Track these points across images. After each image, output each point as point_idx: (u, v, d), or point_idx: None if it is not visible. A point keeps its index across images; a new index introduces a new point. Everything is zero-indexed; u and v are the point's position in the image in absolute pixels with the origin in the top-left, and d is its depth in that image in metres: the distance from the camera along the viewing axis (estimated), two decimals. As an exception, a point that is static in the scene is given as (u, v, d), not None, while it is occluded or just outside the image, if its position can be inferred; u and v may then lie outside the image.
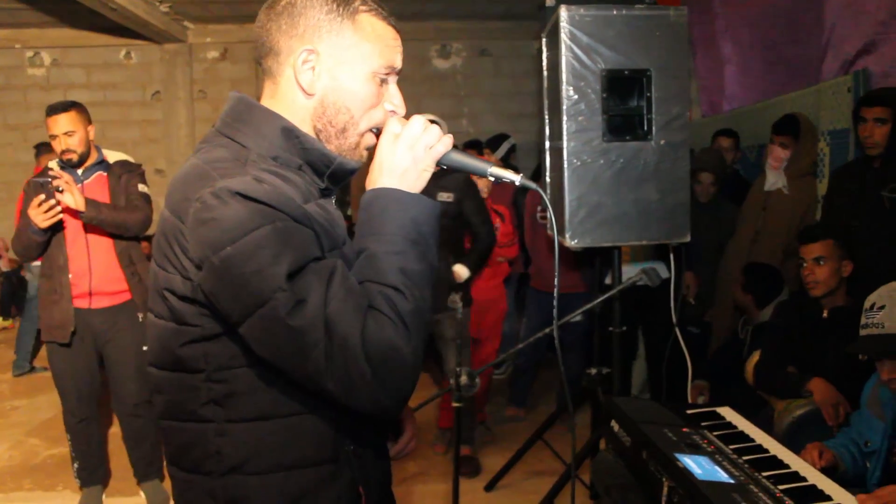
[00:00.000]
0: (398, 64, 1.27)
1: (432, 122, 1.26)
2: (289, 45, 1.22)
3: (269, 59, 1.25)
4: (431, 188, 3.78)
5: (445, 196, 3.81)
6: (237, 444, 1.17)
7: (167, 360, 1.20)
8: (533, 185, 1.28)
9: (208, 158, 1.18)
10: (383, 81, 1.26)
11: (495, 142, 6.21)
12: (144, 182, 3.47)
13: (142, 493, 3.65)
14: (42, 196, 3.13)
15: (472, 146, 6.39)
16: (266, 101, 1.27)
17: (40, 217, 3.13)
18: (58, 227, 3.29)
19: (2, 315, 7.69)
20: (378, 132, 1.27)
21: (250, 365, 1.15)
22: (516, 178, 1.26)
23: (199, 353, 1.17)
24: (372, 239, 1.16)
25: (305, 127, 1.25)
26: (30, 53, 8.28)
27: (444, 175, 3.79)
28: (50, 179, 3.15)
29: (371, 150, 1.29)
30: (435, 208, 1.22)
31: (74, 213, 3.23)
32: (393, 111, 1.28)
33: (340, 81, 1.23)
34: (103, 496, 3.64)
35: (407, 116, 1.28)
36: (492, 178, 1.28)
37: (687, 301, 3.88)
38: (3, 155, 8.25)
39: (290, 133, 1.22)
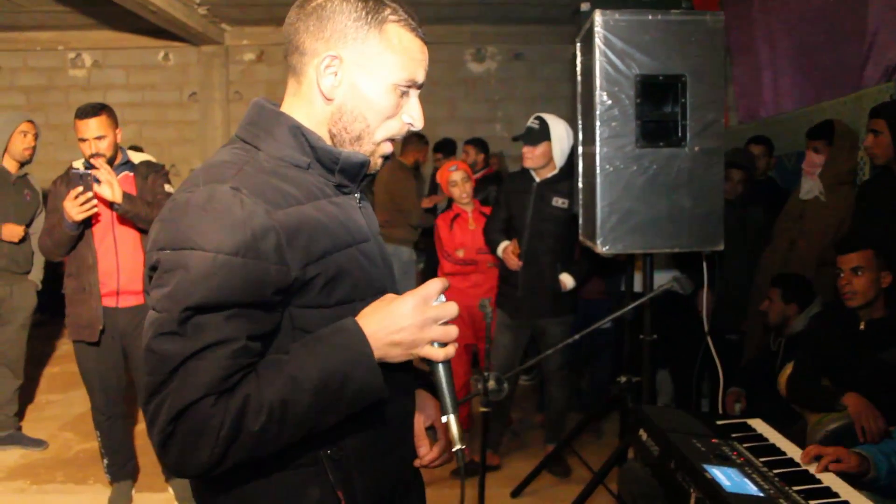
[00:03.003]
0: (420, 78, 1.26)
1: None
2: (314, 47, 1.22)
3: (294, 57, 1.26)
4: (546, 193, 3.85)
5: (560, 202, 3.81)
6: None
7: None
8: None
9: (210, 162, 1.21)
10: (404, 93, 1.26)
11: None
12: (170, 182, 3.50)
13: (170, 490, 3.69)
14: (80, 188, 3.13)
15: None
16: (288, 98, 1.29)
17: (76, 209, 3.12)
18: (87, 224, 3.31)
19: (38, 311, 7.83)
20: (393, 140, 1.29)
21: None
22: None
23: None
24: (302, 353, 1.12)
25: (322, 129, 1.26)
26: (72, 55, 8.47)
27: (560, 181, 3.79)
28: (90, 171, 3.17)
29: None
30: (380, 393, 1.15)
31: (107, 207, 3.26)
32: (410, 123, 1.29)
33: (361, 89, 1.23)
34: (133, 491, 3.69)
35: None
36: (443, 419, 1.25)
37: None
38: (44, 154, 8.34)
39: (296, 132, 1.23)
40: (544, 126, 3.79)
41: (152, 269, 1.12)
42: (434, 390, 1.26)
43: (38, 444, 4.40)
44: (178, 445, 1.06)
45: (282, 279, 1.11)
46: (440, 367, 1.22)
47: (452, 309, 1.18)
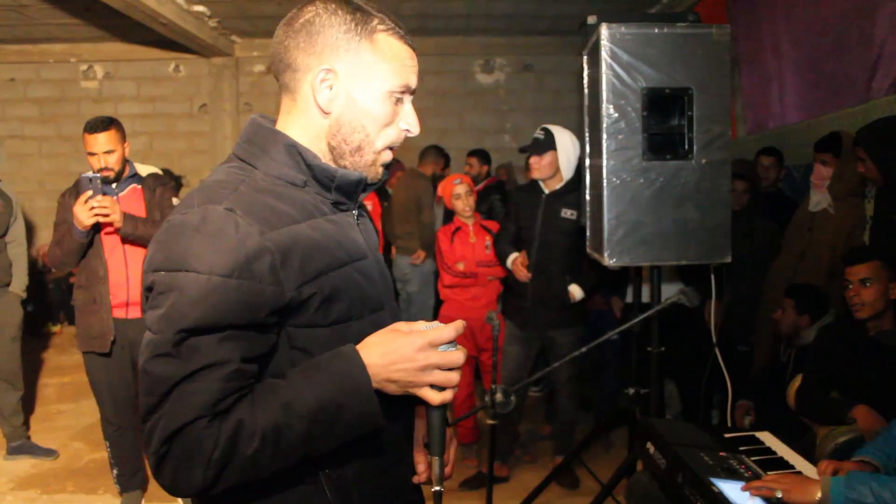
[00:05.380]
0: (413, 83, 1.27)
1: None
2: (307, 62, 1.22)
3: (286, 75, 1.26)
4: (555, 204, 3.86)
5: (569, 213, 3.81)
6: None
7: None
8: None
9: (206, 182, 1.22)
10: (398, 100, 1.26)
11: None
12: (178, 195, 3.52)
13: (180, 500, 3.70)
14: (89, 192, 3.15)
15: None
16: (283, 117, 1.29)
17: (85, 213, 3.13)
18: (96, 230, 3.32)
19: (50, 321, 7.90)
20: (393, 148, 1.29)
21: None
22: None
23: None
24: (299, 379, 1.12)
25: (320, 143, 1.26)
26: (83, 67, 8.55)
27: (568, 192, 3.80)
28: (99, 177, 3.19)
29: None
30: (376, 423, 1.15)
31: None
32: (407, 129, 1.29)
33: (357, 100, 1.23)
34: (143, 501, 3.71)
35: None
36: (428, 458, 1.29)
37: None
38: (56, 164, 8.53)
39: (292, 150, 1.23)
40: (549, 136, 3.80)
41: (148, 290, 1.13)
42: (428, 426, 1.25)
43: (49, 453, 4.43)
44: (171, 466, 1.07)
45: (277, 300, 1.11)
46: (435, 409, 1.21)
47: (458, 358, 1.16)
